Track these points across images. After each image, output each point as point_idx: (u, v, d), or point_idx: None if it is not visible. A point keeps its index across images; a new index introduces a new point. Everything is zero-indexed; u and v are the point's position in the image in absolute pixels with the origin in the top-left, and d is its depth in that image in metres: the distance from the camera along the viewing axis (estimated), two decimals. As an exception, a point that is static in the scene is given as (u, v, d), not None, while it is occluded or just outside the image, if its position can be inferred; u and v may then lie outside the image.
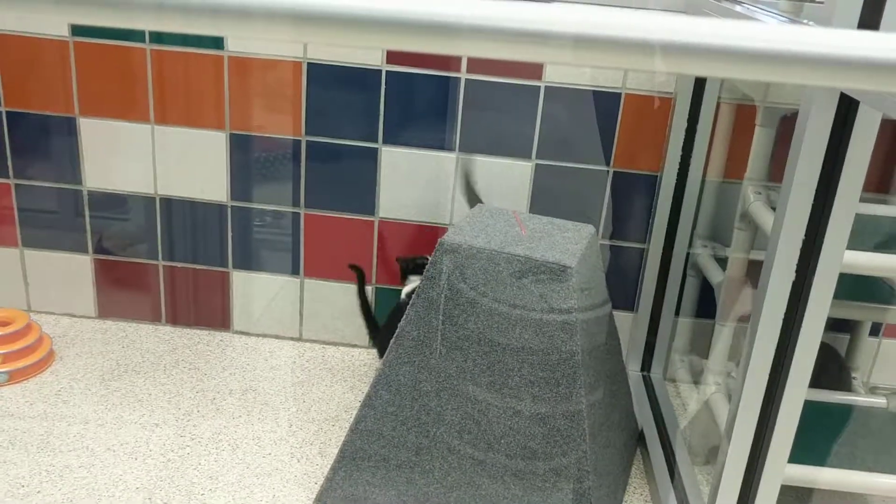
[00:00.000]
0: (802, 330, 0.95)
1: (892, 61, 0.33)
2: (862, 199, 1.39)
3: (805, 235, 0.93)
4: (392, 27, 0.35)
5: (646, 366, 1.70)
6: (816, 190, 0.92)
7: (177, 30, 0.38)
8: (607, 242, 1.68)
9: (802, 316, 0.95)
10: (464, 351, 1.18)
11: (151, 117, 1.64)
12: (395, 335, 1.21)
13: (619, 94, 1.58)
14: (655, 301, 1.64)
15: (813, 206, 0.92)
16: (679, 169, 1.56)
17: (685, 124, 1.54)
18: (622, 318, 1.70)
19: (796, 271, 0.94)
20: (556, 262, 1.15)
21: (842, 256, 0.92)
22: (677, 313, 1.66)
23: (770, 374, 0.98)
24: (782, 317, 0.96)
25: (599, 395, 1.22)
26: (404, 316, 1.21)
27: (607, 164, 1.62)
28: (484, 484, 1.19)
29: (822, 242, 0.92)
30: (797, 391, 0.97)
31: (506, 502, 1.19)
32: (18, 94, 1.64)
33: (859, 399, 1.39)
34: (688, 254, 1.61)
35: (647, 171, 1.62)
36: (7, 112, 1.65)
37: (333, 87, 1.61)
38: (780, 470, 1.01)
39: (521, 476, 1.18)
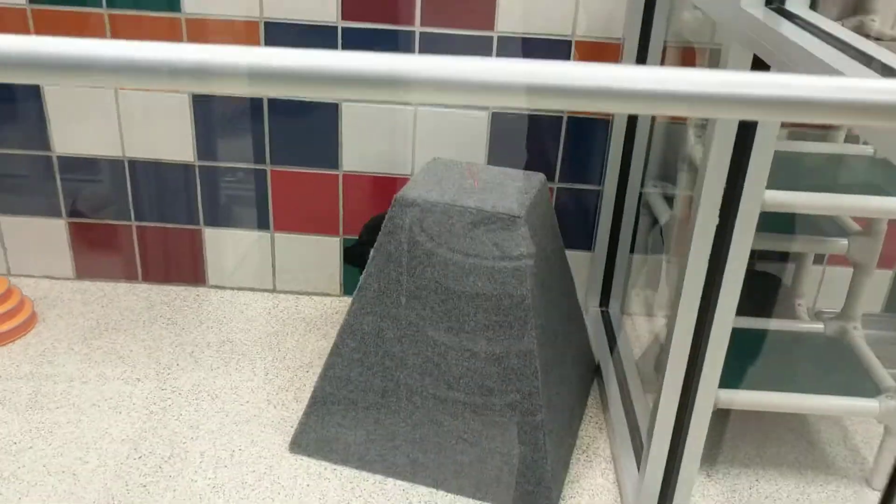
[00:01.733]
0: (728, 263, 1.02)
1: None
2: (790, 138, 1.45)
3: (728, 174, 1.00)
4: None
5: (604, 301, 1.78)
6: (737, 131, 0.98)
7: None
8: (565, 185, 1.74)
9: (728, 250, 1.02)
10: (423, 299, 1.25)
11: (114, 82, 1.67)
12: (357, 287, 1.28)
13: (570, 42, 1.62)
14: (611, 239, 1.72)
15: (735, 144, 0.99)
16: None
17: (633, 68, 1.59)
18: (580, 257, 1.78)
19: (721, 208, 1.01)
20: (506, 213, 1.22)
21: (762, 194, 0.99)
22: (632, 250, 1.74)
23: (700, 304, 1.06)
24: (709, 252, 1.03)
25: (551, 335, 1.30)
26: (365, 269, 1.27)
27: (561, 110, 1.67)
28: (446, 420, 1.28)
29: (743, 182, 0.99)
30: (725, 320, 1.05)
31: (466, 436, 1.28)
32: (-20, 65, 1.66)
33: (800, 325, 1.48)
34: (640, 194, 1.68)
35: (600, 115, 1.67)
36: (-30, 83, 1.68)
37: (291, 45, 1.64)
38: (711, 393, 1.09)
39: (479, 412, 1.26)
